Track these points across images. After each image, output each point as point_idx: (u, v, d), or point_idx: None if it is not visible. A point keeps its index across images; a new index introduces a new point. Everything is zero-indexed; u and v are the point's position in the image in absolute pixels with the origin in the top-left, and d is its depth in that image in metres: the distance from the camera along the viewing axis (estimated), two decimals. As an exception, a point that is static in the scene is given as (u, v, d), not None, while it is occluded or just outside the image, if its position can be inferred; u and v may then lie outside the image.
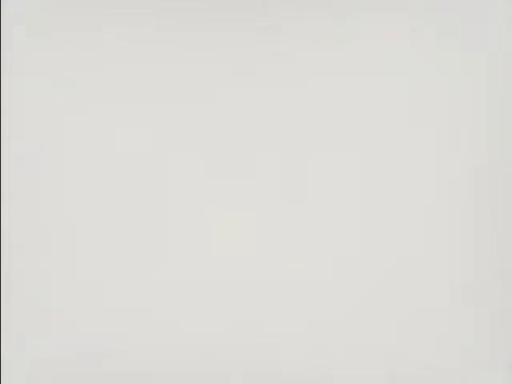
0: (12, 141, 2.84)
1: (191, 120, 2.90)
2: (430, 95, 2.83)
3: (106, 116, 2.88)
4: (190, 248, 2.87)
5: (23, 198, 2.84)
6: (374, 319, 2.82)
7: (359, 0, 2.86)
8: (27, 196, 2.84)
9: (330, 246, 2.84)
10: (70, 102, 2.87)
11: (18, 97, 2.85)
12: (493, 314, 2.76)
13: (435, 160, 2.82)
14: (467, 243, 2.79)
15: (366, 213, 2.84)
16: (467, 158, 2.81)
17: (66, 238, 2.84)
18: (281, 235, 2.86)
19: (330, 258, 2.84)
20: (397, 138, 2.84)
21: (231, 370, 2.84)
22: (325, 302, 2.84)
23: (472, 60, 2.82)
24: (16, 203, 2.83)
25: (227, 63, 2.91)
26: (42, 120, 2.86)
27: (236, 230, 2.87)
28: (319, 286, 2.84)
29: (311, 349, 2.84)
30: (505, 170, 2.80)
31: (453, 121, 2.82)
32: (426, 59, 2.83)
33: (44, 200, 2.84)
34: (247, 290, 2.86)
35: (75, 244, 2.84)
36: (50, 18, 2.87)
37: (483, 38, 2.81)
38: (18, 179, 2.84)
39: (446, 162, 2.82)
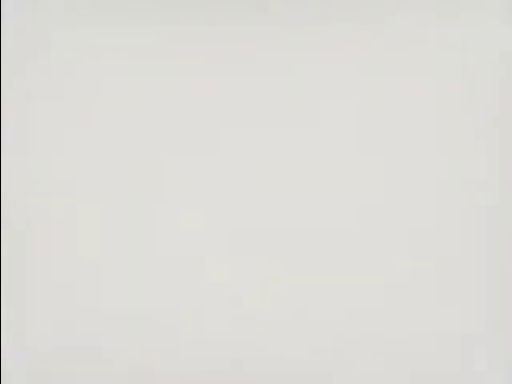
0: (12, 140, 2.84)
1: (190, 118, 2.90)
2: (432, 95, 2.83)
3: (106, 113, 2.88)
4: (188, 248, 2.87)
5: (21, 197, 2.84)
6: (373, 318, 2.82)
7: (360, 2, 2.87)
8: (25, 195, 2.84)
9: (331, 244, 2.85)
10: (69, 100, 2.87)
11: (18, 96, 2.85)
12: (493, 313, 2.76)
13: (436, 160, 2.82)
14: (467, 245, 2.79)
15: (369, 211, 2.84)
16: (468, 157, 2.81)
17: (65, 237, 2.84)
18: (279, 235, 2.87)
19: (330, 257, 2.84)
20: (397, 138, 2.84)
21: (231, 370, 2.84)
22: (325, 301, 2.84)
23: (472, 60, 2.82)
24: (15, 202, 2.84)
25: (227, 62, 2.91)
26: (43, 118, 2.86)
27: (234, 229, 2.87)
28: (319, 284, 2.85)
29: (311, 348, 2.84)
30: (505, 167, 2.80)
31: (453, 120, 2.83)
32: (427, 59, 2.84)
33: (43, 200, 2.84)
34: (245, 290, 2.86)
35: (75, 243, 2.84)
36: (50, 18, 2.87)
37: (483, 37, 2.82)
38: (17, 177, 2.84)
39: (447, 161, 2.82)
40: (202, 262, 2.86)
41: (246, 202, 2.88)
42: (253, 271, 2.87)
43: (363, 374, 2.80)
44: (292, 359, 2.83)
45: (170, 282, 2.86)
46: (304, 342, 2.83)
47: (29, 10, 2.86)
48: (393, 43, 2.85)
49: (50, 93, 2.86)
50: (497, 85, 2.80)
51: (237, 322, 2.85)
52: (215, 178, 2.89)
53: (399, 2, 2.86)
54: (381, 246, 2.82)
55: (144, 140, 2.88)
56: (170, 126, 2.89)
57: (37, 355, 2.81)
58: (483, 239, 2.77)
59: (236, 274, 2.87)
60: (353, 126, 2.85)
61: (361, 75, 2.86)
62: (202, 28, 2.91)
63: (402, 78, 2.84)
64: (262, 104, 2.89)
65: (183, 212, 2.87)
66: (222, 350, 2.84)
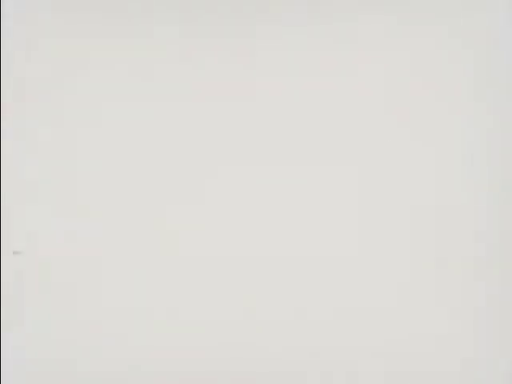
0: (12, 140, 2.84)
1: (190, 118, 2.90)
2: (432, 95, 2.83)
3: (107, 113, 2.88)
4: (188, 249, 2.87)
5: (22, 197, 2.84)
6: (373, 319, 2.82)
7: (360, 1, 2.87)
8: (25, 196, 2.84)
9: (330, 247, 2.85)
10: (70, 100, 2.88)
11: (18, 96, 2.85)
12: (493, 314, 2.76)
13: (434, 156, 2.82)
14: (467, 245, 2.79)
15: (366, 215, 2.84)
16: (465, 154, 2.81)
17: (66, 237, 2.84)
18: (281, 236, 2.87)
19: (330, 259, 2.84)
20: (393, 136, 2.84)
21: (231, 370, 2.85)
22: (324, 301, 2.84)
23: (473, 59, 2.82)
24: (14, 201, 2.84)
25: (227, 62, 2.92)
26: (44, 119, 2.86)
27: (236, 229, 2.88)
28: (320, 285, 2.85)
29: (311, 348, 2.84)
30: (503, 163, 2.80)
31: (453, 119, 2.83)
32: (427, 58, 2.84)
33: (44, 201, 2.85)
34: (246, 290, 2.87)
35: (75, 244, 2.85)
36: (50, 18, 2.87)
37: (483, 33, 2.81)
38: (17, 177, 2.85)
39: (444, 157, 2.82)
40: (203, 263, 2.87)
41: (249, 207, 2.88)
42: (253, 271, 2.87)
43: (363, 373, 2.80)
44: (292, 359, 2.84)
45: (170, 283, 2.86)
46: (304, 342, 2.83)
47: (29, 10, 2.86)
48: (393, 42, 2.85)
49: (50, 93, 2.86)
50: (497, 85, 2.80)
51: (237, 322, 2.86)
52: (214, 181, 2.89)
53: (399, 2, 2.86)
54: (381, 246, 2.82)
55: (145, 140, 2.89)
56: (170, 126, 2.89)
57: (36, 354, 2.81)
58: (483, 239, 2.77)
59: (237, 275, 2.87)
60: (353, 125, 2.85)
61: (361, 74, 2.86)
62: (201, 28, 2.91)
63: (402, 77, 2.84)
64: (262, 104, 2.90)
65: (183, 213, 2.88)
66: (222, 350, 2.85)
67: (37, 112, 2.85)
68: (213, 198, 2.88)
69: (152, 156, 2.88)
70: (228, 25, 2.91)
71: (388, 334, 2.80)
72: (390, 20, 2.85)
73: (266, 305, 2.85)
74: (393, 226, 2.82)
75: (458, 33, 2.81)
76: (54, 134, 2.85)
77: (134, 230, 2.86)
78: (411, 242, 2.81)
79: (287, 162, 2.88)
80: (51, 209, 2.84)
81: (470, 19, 2.81)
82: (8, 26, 2.84)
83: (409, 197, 2.82)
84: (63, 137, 2.86)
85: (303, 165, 2.87)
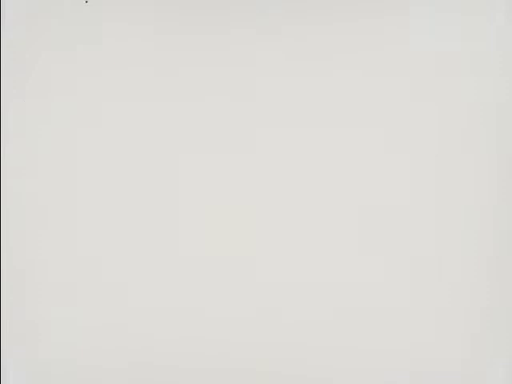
0: (12, 140, 2.84)
1: (190, 120, 2.90)
2: (431, 96, 2.83)
3: (106, 113, 2.88)
4: (189, 248, 2.87)
5: (23, 194, 2.84)
6: (373, 318, 2.82)
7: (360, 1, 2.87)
8: (29, 194, 2.84)
9: (330, 244, 2.85)
10: (71, 100, 2.87)
11: (18, 98, 2.85)
12: (493, 314, 2.76)
13: (434, 156, 2.82)
14: (467, 246, 2.79)
15: (368, 212, 2.84)
16: (469, 152, 2.81)
17: (66, 236, 2.84)
18: (284, 236, 2.87)
19: (331, 257, 2.84)
20: (393, 136, 2.84)
21: (232, 369, 2.85)
22: (324, 300, 2.84)
23: (473, 60, 2.82)
24: (16, 197, 2.84)
25: (226, 64, 2.92)
26: (43, 119, 2.86)
27: (237, 229, 2.88)
28: (320, 285, 2.85)
29: (312, 349, 2.84)
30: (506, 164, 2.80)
31: (453, 120, 2.83)
32: (427, 59, 2.84)
33: (47, 201, 2.84)
34: (251, 290, 2.87)
35: (75, 245, 2.85)
36: (50, 18, 2.87)
37: (483, 31, 2.81)
38: (18, 177, 2.85)
39: (448, 157, 2.82)
40: (204, 261, 2.86)
41: (253, 201, 2.88)
42: (253, 271, 2.87)
43: (363, 373, 2.80)
44: (292, 359, 2.83)
45: (171, 282, 2.86)
46: (304, 342, 2.83)
47: (29, 11, 2.86)
48: (393, 42, 2.85)
49: (51, 93, 2.86)
50: (497, 86, 2.80)
51: (237, 322, 2.85)
52: (214, 181, 2.89)
53: (399, 2, 2.85)
54: (381, 246, 2.82)
55: (145, 140, 2.89)
56: (170, 126, 2.89)
57: (36, 354, 2.81)
58: (483, 240, 2.77)
59: (237, 274, 2.87)
60: (353, 125, 2.85)
61: (361, 74, 2.86)
62: (201, 28, 2.91)
63: (402, 76, 2.84)
64: (261, 104, 2.89)
65: (184, 213, 2.87)
66: (222, 349, 2.85)
67: (37, 112, 2.85)
68: (212, 198, 2.88)
69: (152, 156, 2.88)
70: (228, 25, 2.91)
71: (388, 334, 2.80)
72: (390, 20, 2.85)
73: (265, 304, 2.85)
74: (392, 225, 2.82)
75: (458, 33, 2.81)
76: (55, 133, 2.85)
77: (134, 230, 2.86)
78: (410, 241, 2.81)
79: (287, 162, 2.88)
80: (51, 208, 2.84)
81: (470, 19, 2.81)
82: (8, 26, 2.84)
83: (408, 196, 2.82)
84: (63, 137, 2.86)
85: (303, 165, 2.87)
